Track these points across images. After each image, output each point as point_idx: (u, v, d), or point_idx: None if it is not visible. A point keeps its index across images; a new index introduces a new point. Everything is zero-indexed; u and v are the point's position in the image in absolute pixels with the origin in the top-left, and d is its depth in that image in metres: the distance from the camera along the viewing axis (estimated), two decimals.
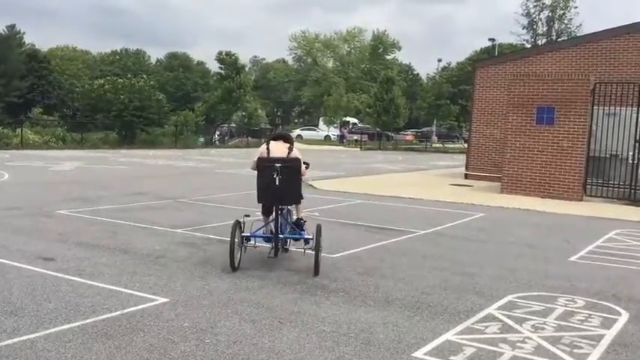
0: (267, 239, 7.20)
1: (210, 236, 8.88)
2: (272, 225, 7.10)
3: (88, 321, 4.96)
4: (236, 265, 6.77)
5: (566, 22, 64.32)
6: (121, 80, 36.06)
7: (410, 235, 9.70)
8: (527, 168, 15.80)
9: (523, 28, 64.95)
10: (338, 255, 7.95)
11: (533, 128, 15.64)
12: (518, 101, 15.87)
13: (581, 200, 15.04)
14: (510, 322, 5.39)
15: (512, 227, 10.96)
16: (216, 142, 44.03)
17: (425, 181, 19.67)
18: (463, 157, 34.97)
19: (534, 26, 64.39)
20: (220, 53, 43.66)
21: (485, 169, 20.09)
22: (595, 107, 15.23)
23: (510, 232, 10.46)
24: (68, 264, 6.87)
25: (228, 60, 43.28)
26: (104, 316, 5.10)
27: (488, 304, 5.93)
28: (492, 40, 54.92)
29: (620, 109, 14.85)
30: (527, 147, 15.73)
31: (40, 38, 78.61)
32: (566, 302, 6.11)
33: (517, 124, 15.90)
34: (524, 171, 15.84)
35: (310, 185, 15.78)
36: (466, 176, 20.58)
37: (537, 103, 15.55)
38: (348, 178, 19.70)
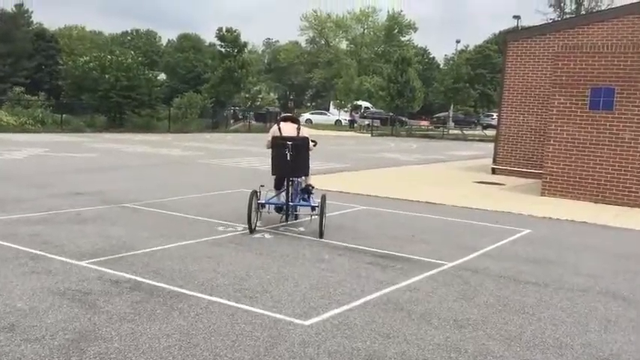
0: (278, 209, 8.41)
1: (126, 275, 5.78)
2: (283, 196, 8.21)
3: None
4: (253, 227, 7.81)
5: None
6: (109, 57, 32.70)
7: (432, 272, 6.53)
8: (576, 165, 12.57)
9: (550, 6, 60.84)
10: (315, 320, 4.82)
11: (586, 115, 12.39)
12: (566, 81, 12.59)
13: None
14: None
15: (577, 255, 7.73)
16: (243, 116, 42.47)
17: (444, 177, 16.43)
18: (484, 145, 31.72)
19: (562, 4, 60.21)
20: (220, 30, 40.08)
21: (518, 163, 16.79)
22: None
23: (576, 265, 7.23)
24: None
25: (228, 37, 39.74)
26: None
27: None
28: (517, 17, 50.93)
29: None
30: (577, 138, 12.50)
31: (49, 17, 75.13)
32: None
33: (564, 110, 12.64)
34: (573, 168, 12.60)
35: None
36: (494, 171, 17.31)
37: (592, 82, 12.27)
38: (353, 173, 16.51)
